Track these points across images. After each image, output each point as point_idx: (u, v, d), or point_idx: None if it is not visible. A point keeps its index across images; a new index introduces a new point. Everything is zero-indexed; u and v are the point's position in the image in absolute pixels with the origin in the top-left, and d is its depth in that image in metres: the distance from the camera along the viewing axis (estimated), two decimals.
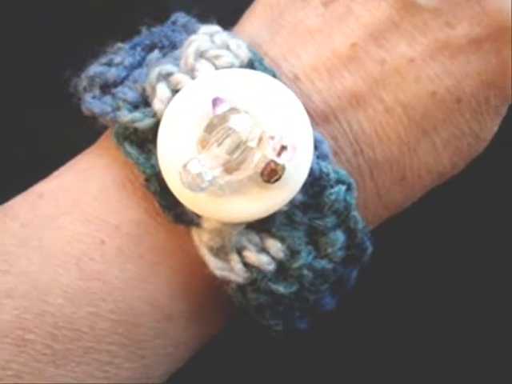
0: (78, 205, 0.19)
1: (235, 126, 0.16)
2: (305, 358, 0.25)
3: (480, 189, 0.25)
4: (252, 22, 0.21)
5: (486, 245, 0.26)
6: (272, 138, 0.17)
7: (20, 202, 0.20)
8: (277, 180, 0.17)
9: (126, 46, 0.20)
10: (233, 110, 0.17)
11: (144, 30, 0.21)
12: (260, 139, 0.17)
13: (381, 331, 0.25)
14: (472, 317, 0.25)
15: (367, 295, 0.23)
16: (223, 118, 0.17)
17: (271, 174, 0.17)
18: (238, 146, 0.16)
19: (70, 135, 0.22)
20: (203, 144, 0.17)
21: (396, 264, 0.25)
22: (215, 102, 0.17)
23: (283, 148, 0.17)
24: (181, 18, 0.21)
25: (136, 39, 0.20)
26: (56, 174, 0.20)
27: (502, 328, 0.25)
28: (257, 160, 0.17)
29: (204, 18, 0.21)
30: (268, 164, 0.17)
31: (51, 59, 0.28)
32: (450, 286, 0.26)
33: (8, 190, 0.20)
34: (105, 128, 0.20)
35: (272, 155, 0.17)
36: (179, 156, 0.17)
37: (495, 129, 0.21)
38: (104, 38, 0.21)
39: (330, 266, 0.19)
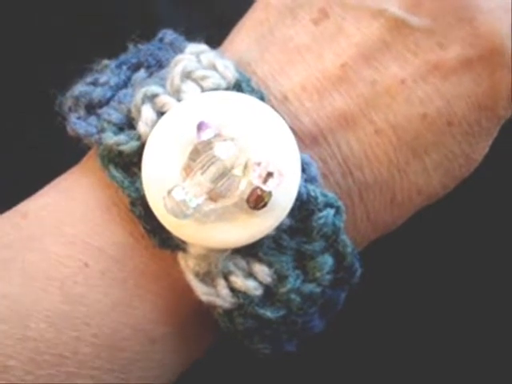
0: (61, 226, 0.19)
1: (220, 154, 0.16)
2: (304, 362, 0.25)
3: (477, 192, 0.25)
4: (241, 38, 0.21)
5: (483, 248, 0.26)
6: (258, 164, 0.16)
7: (4, 222, 0.19)
8: (263, 206, 0.17)
9: (111, 64, 0.20)
10: (218, 136, 0.17)
11: (131, 47, 0.20)
12: (245, 166, 0.17)
13: (379, 334, 0.25)
14: (469, 322, 0.25)
15: (364, 301, 0.23)
16: (208, 145, 0.16)
17: (257, 201, 0.17)
18: (222, 174, 0.16)
19: (63, 151, 0.22)
20: (187, 171, 0.17)
21: (392, 269, 0.25)
22: (200, 126, 0.17)
23: (269, 175, 0.16)
24: (168, 35, 0.20)
25: (122, 57, 0.20)
26: (40, 193, 0.20)
27: (502, 330, 0.25)
28: (242, 187, 0.16)
29: (194, 29, 0.21)
30: (254, 191, 0.16)
31: (44, 72, 0.27)
32: (445, 292, 0.26)
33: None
34: (90, 147, 0.20)
35: (258, 182, 0.16)
36: (163, 182, 0.17)
37: (486, 149, 0.21)
38: (94, 50, 0.20)
39: (318, 289, 0.19)
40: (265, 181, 0.16)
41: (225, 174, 0.16)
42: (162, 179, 0.17)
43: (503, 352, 0.25)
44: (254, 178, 0.16)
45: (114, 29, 0.25)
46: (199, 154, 0.16)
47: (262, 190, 0.16)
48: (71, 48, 0.27)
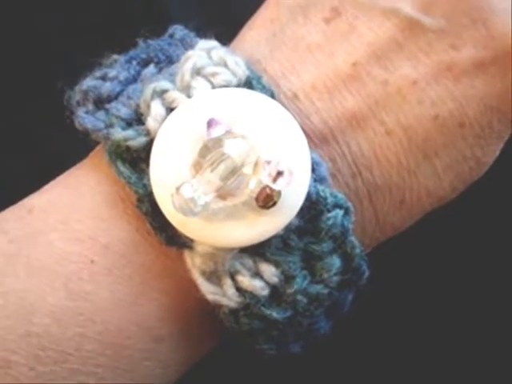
0: (67, 222, 0.18)
1: (230, 152, 0.16)
2: (308, 363, 0.25)
3: (486, 195, 0.25)
4: (252, 36, 0.21)
5: (492, 251, 0.26)
6: (268, 162, 0.16)
7: (9, 217, 0.19)
8: (272, 205, 0.16)
9: (121, 59, 0.20)
10: (228, 133, 0.16)
11: (141, 43, 0.20)
12: (255, 164, 0.16)
13: (385, 337, 0.25)
14: (479, 326, 0.25)
15: (370, 302, 0.23)
16: (218, 142, 0.16)
17: (266, 200, 0.16)
18: (232, 172, 0.16)
19: (70, 146, 0.22)
20: (196, 168, 0.16)
21: (399, 271, 0.25)
22: (210, 123, 0.16)
23: (279, 173, 0.16)
24: (179, 31, 0.20)
25: (132, 52, 0.20)
26: (46, 188, 0.20)
27: (506, 330, 0.25)
28: (252, 186, 0.16)
29: (205, 27, 0.21)
30: (263, 189, 0.16)
31: (51, 68, 0.27)
32: (452, 295, 0.26)
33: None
34: (98, 142, 0.20)
35: (268, 181, 0.16)
36: (172, 178, 0.17)
37: (497, 153, 0.21)
38: (103, 47, 0.20)
39: (325, 291, 0.19)
40: (275, 180, 0.16)
41: (234, 171, 0.16)
42: (171, 176, 0.17)
43: (505, 353, 0.25)
44: (264, 177, 0.16)
45: (125, 27, 0.25)
46: (209, 151, 0.16)
47: (271, 188, 0.16)
48: (81, 45, 0.27)
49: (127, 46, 0.20)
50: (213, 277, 0.18)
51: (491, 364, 0.25)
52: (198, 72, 0.18)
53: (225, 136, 0.16)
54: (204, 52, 0.19)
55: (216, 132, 0.16)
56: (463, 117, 0.19)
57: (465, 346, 0.25)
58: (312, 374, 0.25)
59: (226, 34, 0.21)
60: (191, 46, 0.19)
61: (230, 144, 0.16)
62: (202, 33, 0.21)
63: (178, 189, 0.16)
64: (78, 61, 0.20)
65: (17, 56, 0.28)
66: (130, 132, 0.18)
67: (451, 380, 0.25)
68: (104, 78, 0.19)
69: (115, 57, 0.20)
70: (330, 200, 0.18)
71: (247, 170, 0.16)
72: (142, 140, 0.18)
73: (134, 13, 0.28)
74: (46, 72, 0.26)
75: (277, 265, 0.18)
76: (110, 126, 0.18)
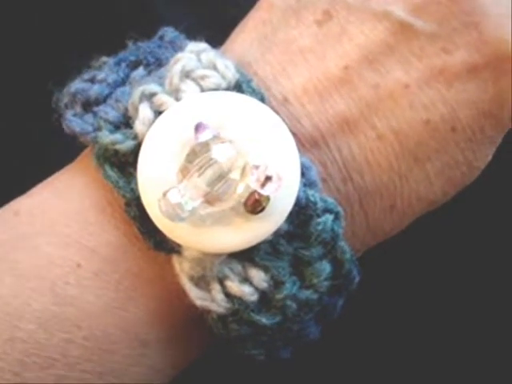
0: (54, 225, 0.18)
1: (217, 157, 0.16)
2: (298, 368, 0.24)
3: (475, 199, 0.25)
4: (243, 38, 0.21)
5: (481, 257, 0.26)
6: (256, 167, 0.16)
7: None
8: (261, 211, 0.16)
9: (110, 61, 0.19)
10: (216, 138, 0.16)
11: (130, 45, 0.20)
12: (243, 169, 0.16)
13: (376, 342, 0.25)
14: (469, 332, 0.25)
15: (360, 307, 0.23)
16: (205, 147, 0.16)
17: (255, 205, 0.16)
18: (219, 177, 0.16)
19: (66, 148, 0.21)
20: (184, 173, 0.16)
21: (389, 276, 0.25)
22: (198, 128, 0.16)
23: (268, 179, 0.16)
24: (169, 33, 0.20)
25: (121, 54, 0.19)
26: (33, 191, 0.20)
27: (503, 332, 0.25)
28: (240, 191, 0.16)
29: (195, 29, 0.20)
30: (251, 194, 0.16)
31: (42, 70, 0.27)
32: (442, 301, 0.25)
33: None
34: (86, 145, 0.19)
35: (256, 186, 0.16)
36: (159, 183, 0.17)
37: (489, 158, 0.21)
38: (93, 48, 0.20)
39: (314, 296, 0.18)
40: (263, 185, 0.16)
41: (222, 177, 0.16)
42: (158, 180, 0.17)
43: (503, 353, 0.25)
44: (252, 182, 0.16)
45: (114, 29, 0.24)
46: (196, 155, 0.16)
47: (259, 194, 0.16)
48: (70, 47, 0.26)
49: (116, 47, 0.20)
50: (201, 282, 0.18)
51: (488, 365, 0.25)
52: (187, 75, 0.18)
53: (212, 141, 0.16)
54: (193, 54, 0.19)
55: (203, 136, 0.16)
56: (455, 121, 0.19)
57: (457, 353, 0.25)
58: (302, 377, 0.25)
59: (217, 36, 0.21)
60: (181, 49, 0.19)
61: (218, 149, 0.16)
62: (193, 35, 0.20)
63: (164, 194, 0.16)
64: (68, 62, 0.19)
65: (9, 58, 0.27)
66: (117, 135, 0.18)
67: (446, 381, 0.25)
68: (92, 81, 0.19)
69: (104, 59, 0.20)
70: (319, 205, 0.18)
71: (235, 175, 0.16)
72: (130, 144, 0.18)
73: (124, 14, 0.28)
74: (40, 73, 0.26)
75: (266, 270, 0.18)
76: (97, 129, 0.18)
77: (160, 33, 0.20)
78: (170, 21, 0.21)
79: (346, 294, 0.19)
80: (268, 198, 0.16)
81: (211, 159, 0.16)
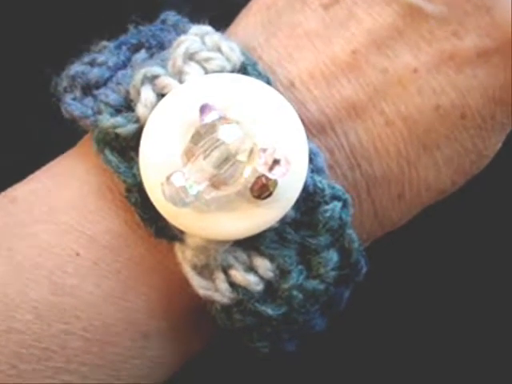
0: (52, 213, 0.18)
1: (224, 138, 0.15)
2: (303, 361, 0.24)
3: (485, 190, 0.25)
4: (247, 22, 0.20)
5: (490, 246, 0.25)
6: (264, 150, 0.16)
7: None
8: (268, 196, 0.16)
9: (111, 44, 0.19)
10: (222, 119, 0.16)
11: (131, 29, 0.19)
12: (251, 152, 0.16)
13: (381, 335, 0.25)
14: (475, 323, 0.25)
15: (366, 299, 0.22)
16: (211, 128, 0.15)
17: (262, 190, 0.16)
18: (226, 160, 0.15)
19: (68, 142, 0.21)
20: (189, 155, 0.16)
21: (395, 268, 0.25)
22: (203, 109, 0.16)
23: (276, 162, 0.15)
24: (171, 16, 0.19)
25: (122, 38, 0.19)
26: (31, 177, 0.19)
27: (504, 329, 0.24)
28: (247, 175, 0.16)
29: (196, 17, 0.20)
30: (259, 179, 0.16)
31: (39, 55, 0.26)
32: (449, 291, 0.25)
33: None
34: (86, 131, 0.19)
35: (263, 170, 0.15)
36: (162, 167, 0.16)
37: (499, 146, 0.20)
38: (92, 35, 0.19)
39: (321, 286, 0.18)
40: (271, 168, 0.15)
41: (229, 159, 0.15)
42: (161, 164, 0.16)
43: (504, 352, 0.24)
44: (260, 165, 0.15)
45: (117, 18, 0.24)
46: (202, 137, 0.15)
47: (267, 178, 0.16)
48: (71, 33, 0.26)
49: (117, 33, 0.20)
50: (204, 271, 0.17)
51: (489, 363, 0.24)
52: (190, 57, 0.18)
53: (219, 122, 0.15)
54: (197, 37, 0.18)
55: (209, 118, 0.15)
56: (465, 107, 0.19)
57: (462, 342, 0.25)
58: (306, 370, 0.24)
59: (220, 23, 0.21)
60: (184, 32, 0.19)
61: (224, 130, 0.15)
62: (196, 19, 0.20)
63: (168, 178, 0.15)
64: (68, 50, 0.19)
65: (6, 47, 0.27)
66: (118, 119, 0.17)
67: (448, 378, 0.24)
68: (92, 64, 0.18)
69: (104, 43, 0.19)
70: (327, 192, 0.17)
71: (242, 157, 0.15)
72: (132, 127, 0.17)
73: (124, 2, 0.27)
74: (41, 62, 0.26)
75: (272, 259, 0.17)
76: (98, 112, 0.17)
77: (162, 17, 0.20)
78: (171, 7, 0.21)
79: (353, 284, 0.19)
80: (275, 183, 0.16)
81: (218, 140, 0.15)
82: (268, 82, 0.18)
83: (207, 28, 0.19)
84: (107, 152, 0.17)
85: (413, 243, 0.24)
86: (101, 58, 0.18)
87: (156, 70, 0.17)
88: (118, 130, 0.17)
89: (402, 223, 0.20)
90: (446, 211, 0.23)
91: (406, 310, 0.25)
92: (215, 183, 0.16)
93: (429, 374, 0.25)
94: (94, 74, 0.18)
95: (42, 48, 0.27)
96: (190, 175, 0.15)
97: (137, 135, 0.17)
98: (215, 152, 0.15)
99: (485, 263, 0.25)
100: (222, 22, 0.21)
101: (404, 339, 0.25)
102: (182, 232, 0.17)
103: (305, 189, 0.17)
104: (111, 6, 0.27)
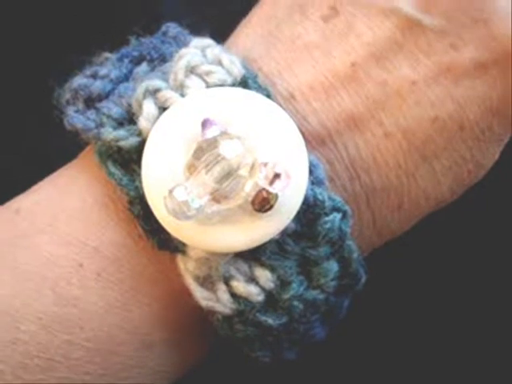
0: (55, 224, 0.18)
1: (225, 154, 0.15)
2: (303, 370, 0.24)
3: (482, 198, 0.25)
4: (247, 34, 0.20)
5: (487, 256, 0.25)
6: (265, 164, 0.16)
7: None
8: (269, 209, 0.16)
9: (113, 56, 0.19)
10: (223, 134, 0.16)
11: (133, 40, 0.20)
12: (252, 166, 0.16)
13: (381, 342, 0.25)
14: (473, 332, 0.25)
15: (366, 308, 0.23)
16: (213, 143, 0.16)
17: (263, 203, 0.16)
18: (227, 175, 0.15)
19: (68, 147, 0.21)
20: (191, 170, 0.16)
21: (395, 276, 0.25)
22: (205, 123, 0.16)
23: (276, 176, 0.16)
24: (172, 28, 0.20)
25: (124, 50, 0.19)
26: (34, 188, 0.19)
27: (505, 332, 0.25)
28: (248, 189, 0.16)
29: (198, 27, 0.20)
30: (260, 192, 0.16)
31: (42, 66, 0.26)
32: (448, 300, 0.25)
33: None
34: (88, 142, 0.19)
35: (264, 184, 0.16)
36: (165, 181, 0.16)
37: (497, 156, 0.20)
38: (96, 46, 0.20)
39: (321, 296, 0.18)
40: (271, 182, 0.16)
41: (230, 173, 0.15)
42: (164, 178, 0.16)
43: (504, 354, 0.24)
44: (261, 179, 0.16)
45: (117, 28, 0.24)
46: (203, 152, 0.16)
47: (268, 191, 0.16)
48: (73, 45, 0.26)
49: (119, 44, 0.20)
50: (206, 282, 0.17)
51: (489, 366, 0.25)
52: (191, 70, 0.18)
53: (220, 137, 0.16)
54: (198, 50, 0.18)
55: (211, 132, 0.16)
56: (463, 119, 0.19)
57: (461, 354, 0.25)
58: (306, 379, 0.24)
59: (220, 33, 0.21)
60: (185, 44, 0.19)
61: (226, 145, 0.15)
62: (197, 31, 0.20)
63: (170, 191, 0.16)
64: (70, 59, 0.19)
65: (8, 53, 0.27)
66: (121, 132, 0.17)
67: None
68: (94, 77, 0.19)
69: (106, 55, 0.19)
70: (327, 203, 0.17)
71: (243, 172, 0.16)
72: (134, 140, 0.17)
73: (126, 11, 0.27)
74: (41, 69, 0.26)
75: (272, 270, 0.17)
76: (100, 125, 0.18)
77: (163, 28, 0.20)
78: (171, 18, 0.21)
79: (352, 294, 0.19)
80: (276, 196, 0.16)
81: (219, 155, 0.15)
82: (268, 95, 0.18)
83: (208, 41, 0.19)
84: (110, 164, 0.17)
85: (411, 252, 0.25)
86: (103, 71, 0.19)
87: (157, 83, 0.18)
88: (121, 143, 0.17)
89: (401, 233, 0.21)
90: (444, 221, 0.23)
91: (405, 318, 0.25)
92: (217, 197, 0.16)
93: (427, 382, 0.25)
94: (97, 86, 0.18)
95: (43, 55, 0.27)
96: (191, 189, 0.15)
97: (139, 148, 0.17)
98: (217, 167, 0.15)
99: (484, 272, 0.25)
100: (222, 31, 0.21)
101: (403, 347, 0.25)
102: (184, 244, 0.17)
103: (305, 201, 0.17)
104: (113, 16, 0.28)
